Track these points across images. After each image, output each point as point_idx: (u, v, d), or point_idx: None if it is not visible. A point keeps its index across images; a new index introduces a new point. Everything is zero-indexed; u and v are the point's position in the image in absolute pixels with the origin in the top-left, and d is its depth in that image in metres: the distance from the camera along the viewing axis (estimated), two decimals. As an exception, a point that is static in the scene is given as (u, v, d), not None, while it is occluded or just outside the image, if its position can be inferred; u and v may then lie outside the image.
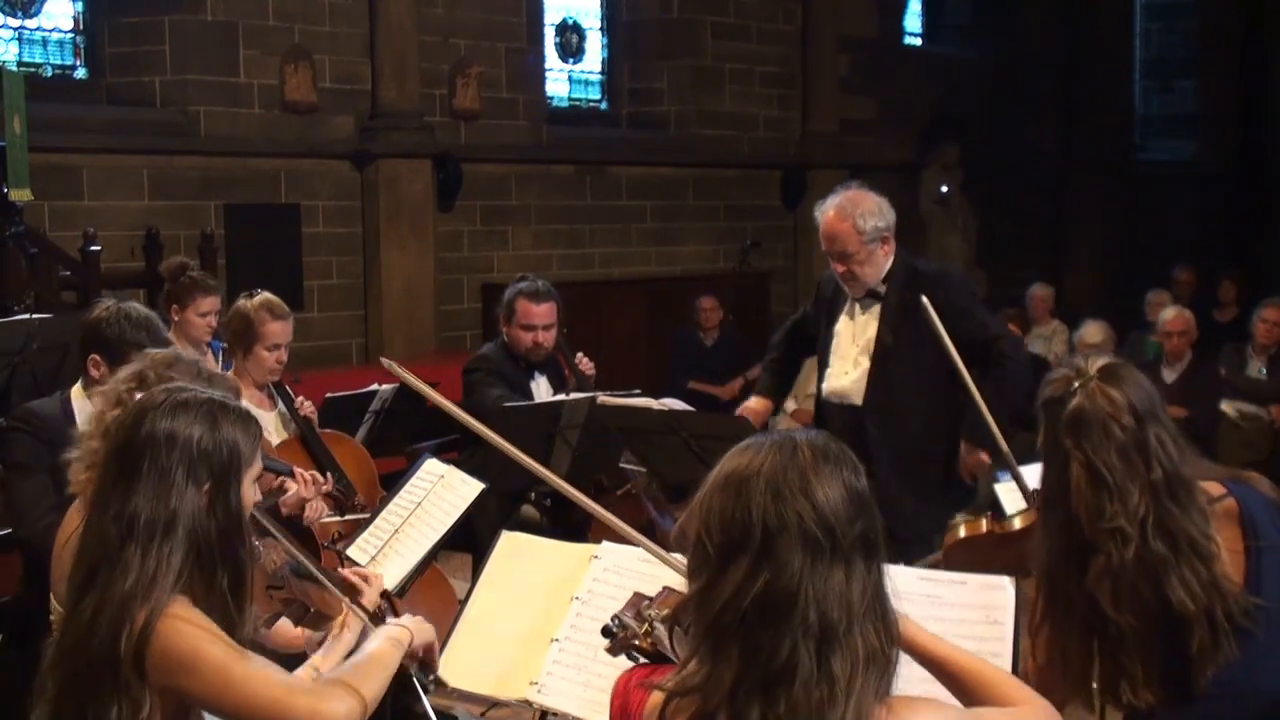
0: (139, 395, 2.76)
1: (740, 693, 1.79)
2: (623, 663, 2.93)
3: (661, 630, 2.11)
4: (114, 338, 3.77)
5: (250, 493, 2.39)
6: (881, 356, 4.59)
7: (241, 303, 4.71)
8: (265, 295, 4.73)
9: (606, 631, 2.26)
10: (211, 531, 2.28)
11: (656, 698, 1.91)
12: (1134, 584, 2.40)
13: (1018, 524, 2.85)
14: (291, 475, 4.09)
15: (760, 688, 1.78)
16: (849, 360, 4.69)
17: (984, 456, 4.34)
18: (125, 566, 2.22)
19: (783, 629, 1.78)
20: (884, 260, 4.58)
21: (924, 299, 4.03)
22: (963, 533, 2.90)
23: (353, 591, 2.77)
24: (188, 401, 2.34)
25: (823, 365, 4.81)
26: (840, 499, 1.82)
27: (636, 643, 2.18)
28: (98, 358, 3.77)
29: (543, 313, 5.27)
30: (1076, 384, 2.48)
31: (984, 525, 2.89)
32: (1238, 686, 2.41)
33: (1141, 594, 2.40)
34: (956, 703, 2.02)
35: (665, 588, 2.21)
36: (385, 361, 3.05)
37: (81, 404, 3.79)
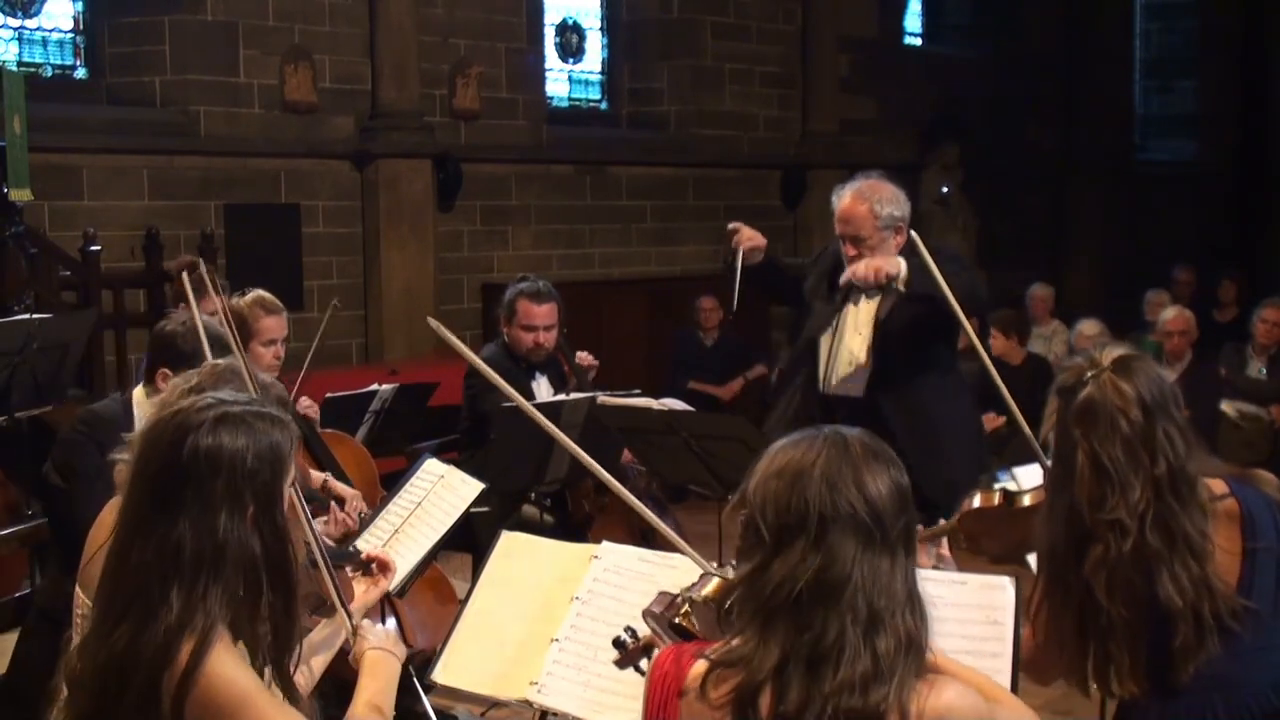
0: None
1: (787, 669, 1.89)
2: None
3: (701, 610, 2.19)
4: (189, 352, 3.74)
5: (288, 495, 2.31)
6: (883, 338, 4.59)
7: (233, 301, 4.71)
8: (257, 292, 4.73)
9: (617, 643, 2.33)
10: (259, 557, 2.19)
11: (700, 666, 2.00)
12: (1128, 576, 2.43)
13: (1028, 500, 2.89)
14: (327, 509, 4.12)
15: (806, 666, 1.89)
16: (853, 349, 4.68)
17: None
18: (169, 603, 2.11)
19: (832, 611, 1.89)
20: (894, 250, 4.58)
21: (913, 233, 4.08)
22: (977, 501, 2.94)
23: (354, 585, 2.79)
24: (225, 417, 2.23)
25: (828, 360, 4.74)
26: (889, 493, 1.96)
27: (653, 647, 2.25)
28: (168, 371, 3.71)
29: (544, 313, 5.26)
30: (1089, 374, 2.50)
31: (996, 497, 2.92)
32: (1223, 680, 2.43)
33: (1134, 586, 2.44)
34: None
35: (703, 575, 2.31)
36: (432, 322, 2.98)
37: (143, 410, 3.77)
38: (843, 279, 4.49)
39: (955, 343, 4.79)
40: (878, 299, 4.63)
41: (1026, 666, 2.69)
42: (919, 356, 4.56)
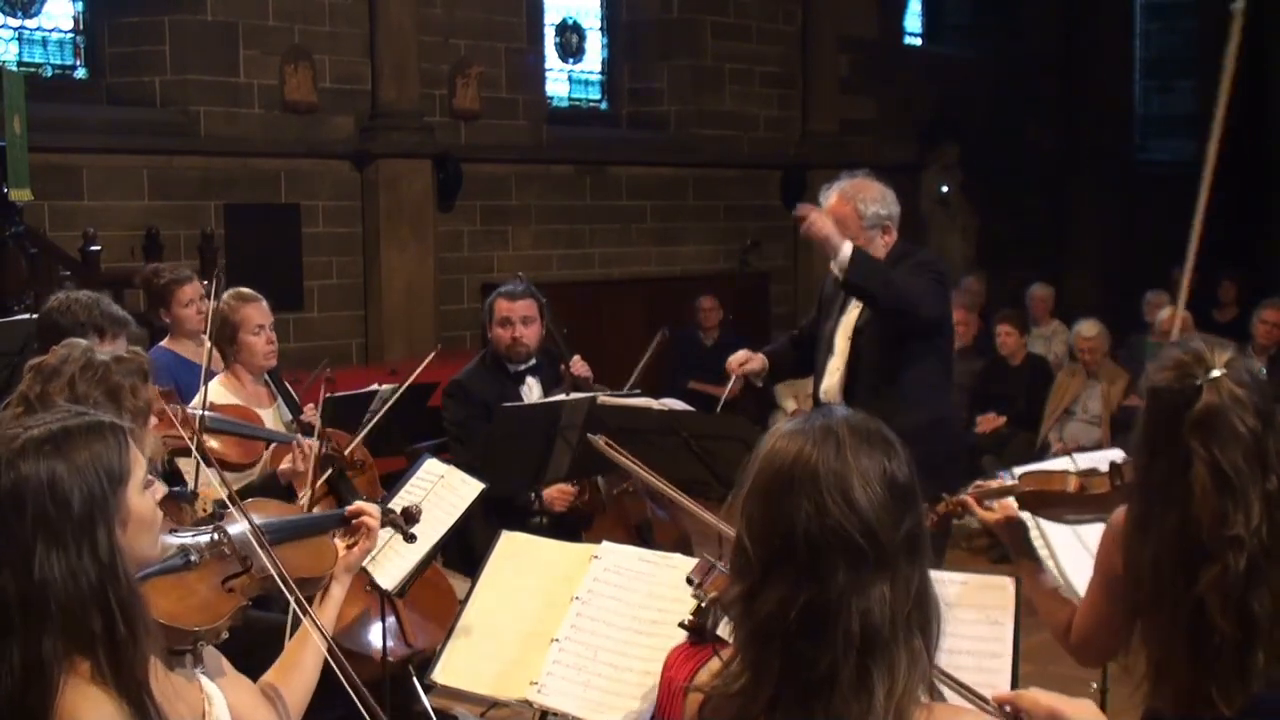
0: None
1: (780, 703, 1.78)
2: (621, 662, 2.93)
3: (710, 610, 2.12)
4: (69, 325, 3.78)
5: (143, 502, 2.13)
6: (856, 342, 4.58)
7: (212, 304, 4.76)
8: (233, 288, 4.82)
9: (682, 625, 2.28)
10: (84, 589, 1.99)
11: (694, 700, 1.89)
12: (1241, 594, 2.31)
13: (1093, 490, 2.80)
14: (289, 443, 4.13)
15: (800, 699, 1.77)
16: (840, 355, 4.68)
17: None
18: (11, 664, 1.96)
19: (824, 642, 1.75)
20: (883, 250, 4.57)
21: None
22: (1054, 484, 2.85)
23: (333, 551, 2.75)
24: (26, 445, 2.02)
25: (820, 363, 4.80)
26: (883, 499, 1.78)
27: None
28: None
29: (519, 307, 5.18)
30: (1201, 378, 2.33)
31: (1072, 482, 2.82)
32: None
33: (1247, 604, 2.31)
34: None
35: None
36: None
37: None
38: (802, 229, 4.47)
39: (934, 352, 4.73)
40: (860, 307, 4.62)
41: (1076, 648, 2.67)
42: (886, 365, 4.53)
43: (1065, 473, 2.88)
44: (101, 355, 2.94)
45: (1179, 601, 2.33)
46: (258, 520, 2.59)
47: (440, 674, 3.21)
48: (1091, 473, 2.84)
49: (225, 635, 2.47)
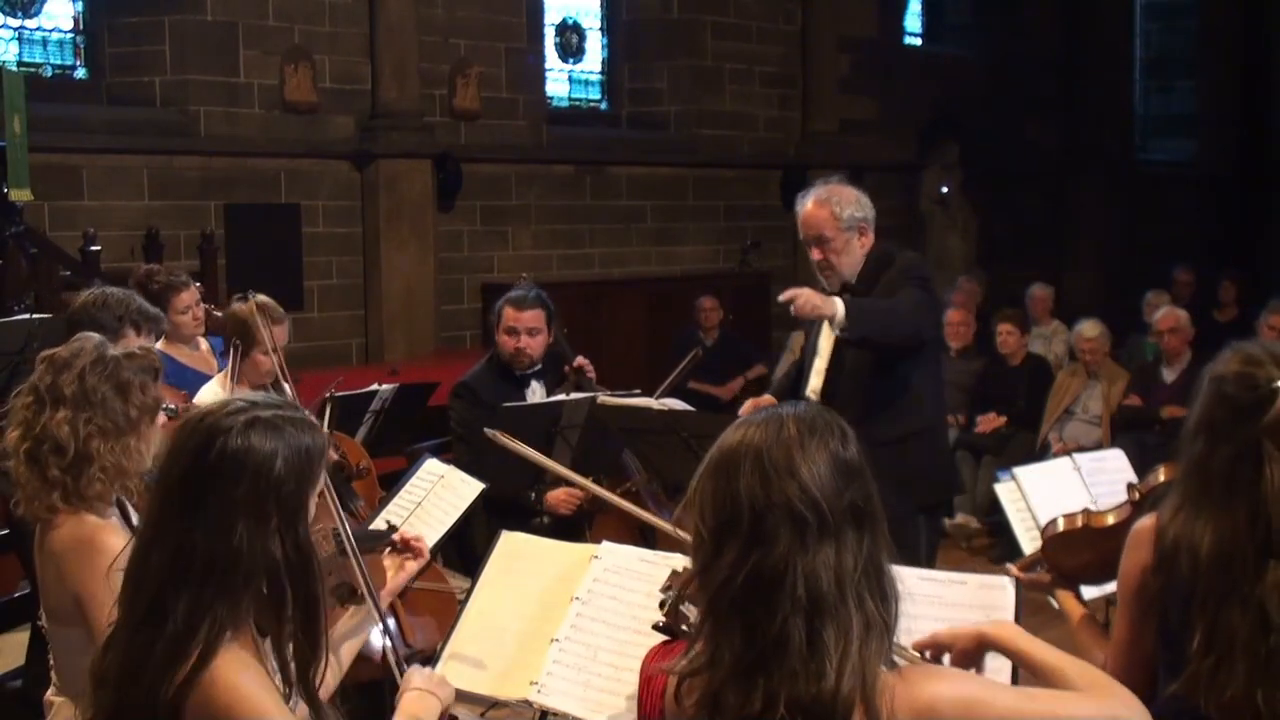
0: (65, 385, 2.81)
1: (740, 670, 1.85)
2: (621, 662, 2.93)
3: (680, 609, 2.16)
4: (105, 320, 3.79)
5: (314, 504, 2.23)
6: (840, 349, 4.57)
7: (238, 306, 4.72)
8: (261, 298, 4.71)
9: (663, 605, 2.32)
10: (279, 567, 2.11)
11: (670, 681, 1.96)
12: None
13: (1110, 520, 2.84)
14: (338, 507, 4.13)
15: (759, 663, 1.83)
16: (824, 357, 4.66)
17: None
18: (177, 610, 2.06)
19: (773, 605, 1.83)
20: (860, 253, 4.57)
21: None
22: (1061, 526, 2.90)
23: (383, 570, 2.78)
24: (255, 421, 2.13)
25: (808, 366, 4.78)
26: (827, 473, 1.87)
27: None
28: None
29: (526, 318, 5.18)
30: (1271, 383, 2.35)
31: (1079, 519, 2.87)
32: None
33: None
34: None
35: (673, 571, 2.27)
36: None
37: None
38: (793, 309, 4.49)
39: (921, 361, 4.72)
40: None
41: None
42: (869, 371, 4.52)
43: (1074, 514, 2.90)
44: (113, 351, 2.97)
45: (1244, 596, 2.34)
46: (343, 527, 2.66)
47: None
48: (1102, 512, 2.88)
49: None
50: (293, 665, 2.15)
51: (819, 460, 1.88)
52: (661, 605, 2.30)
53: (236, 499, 2.09)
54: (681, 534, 2.84)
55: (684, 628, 2.16)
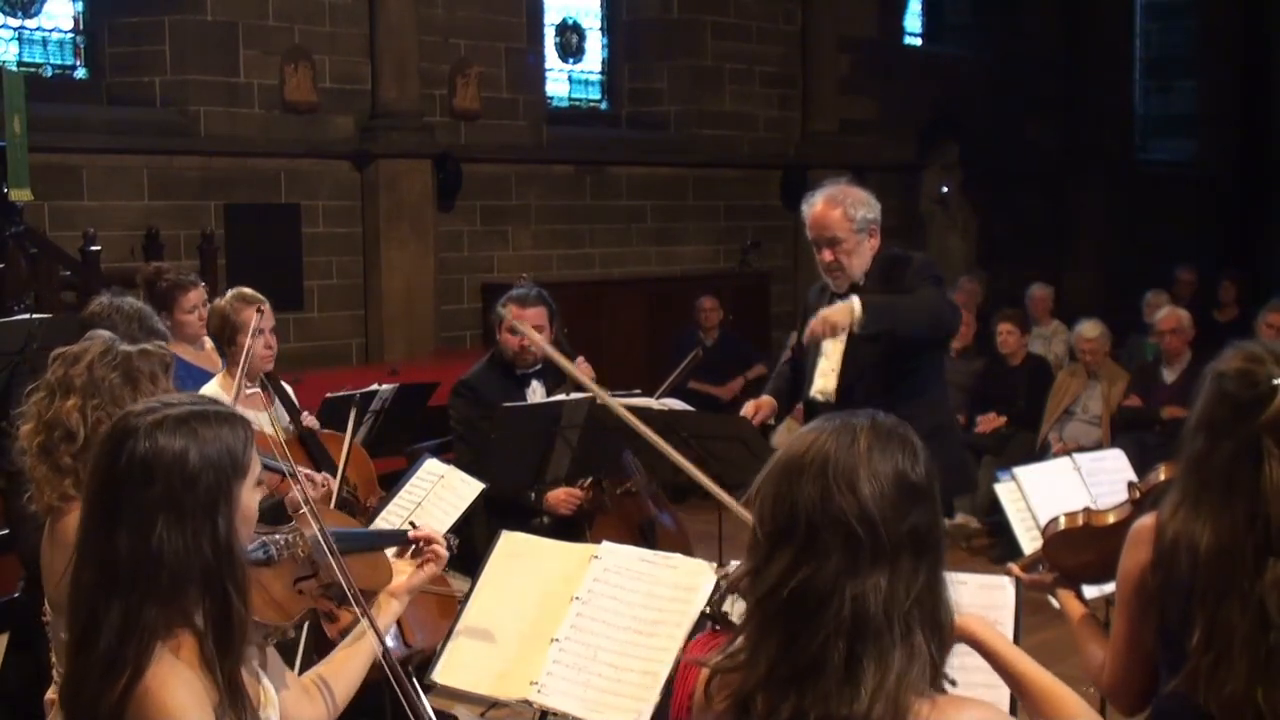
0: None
1: (775, 679, 1.82)
2: (621, 662, 2.93)
3: (729, 601, 2.15)
4: (110, 331, 3.79)
5: (252, 499, 2.21)
6: (852, 347, 4.57)
7: (216, 302, 4.80)
8: (237, 289, 4.78)
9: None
10: (198, 566, 2.08)
11: (703, 673, 1.95)
12: None
13: (1111, 518, 2.84)
14: (294, 477, 4.09)
15: (791, 678, 1.81)
16: (833, 358, 4.66)
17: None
18: (110, 620, 2.05)
19: (817, 623, 1.79)
20: (869, 254, 4.57)
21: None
22: (1062, 525, 2.90)
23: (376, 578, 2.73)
24: (164, 420, 2.11)
25: (810, 366, 4.78)
26: (890, 493, 1.81)
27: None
28: None
29: (529, 316, 5.22)
30: (1271, 381, 2.36)
31: (1080, 519, 2.87)
32: None
33: None
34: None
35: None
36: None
37: None
38: (805, 338, 4.50)
39: (932, 359, 4.72)
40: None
41: (1110, 691, 2.65)
42: (887, 370, 4.52)
43: (1075, 513, 2.90)
44: (125, 346, 3.00)
45: (1243, 593, 2.34)
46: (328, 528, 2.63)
47: (440, 674, 3.21)
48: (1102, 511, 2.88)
49: (291, 635, 2.46)
50: (217, 661, 2.11)
51: (884, 478, 1.82)
52: (714, 591, 2.28)
53: (151, 501, 2.06)
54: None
55: (731, 620, 2.14)
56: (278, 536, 2.52)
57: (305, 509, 2.61)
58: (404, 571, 2.75)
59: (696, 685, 1.98)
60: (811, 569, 1.80)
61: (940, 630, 1.84)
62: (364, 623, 2.60)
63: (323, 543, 2.55)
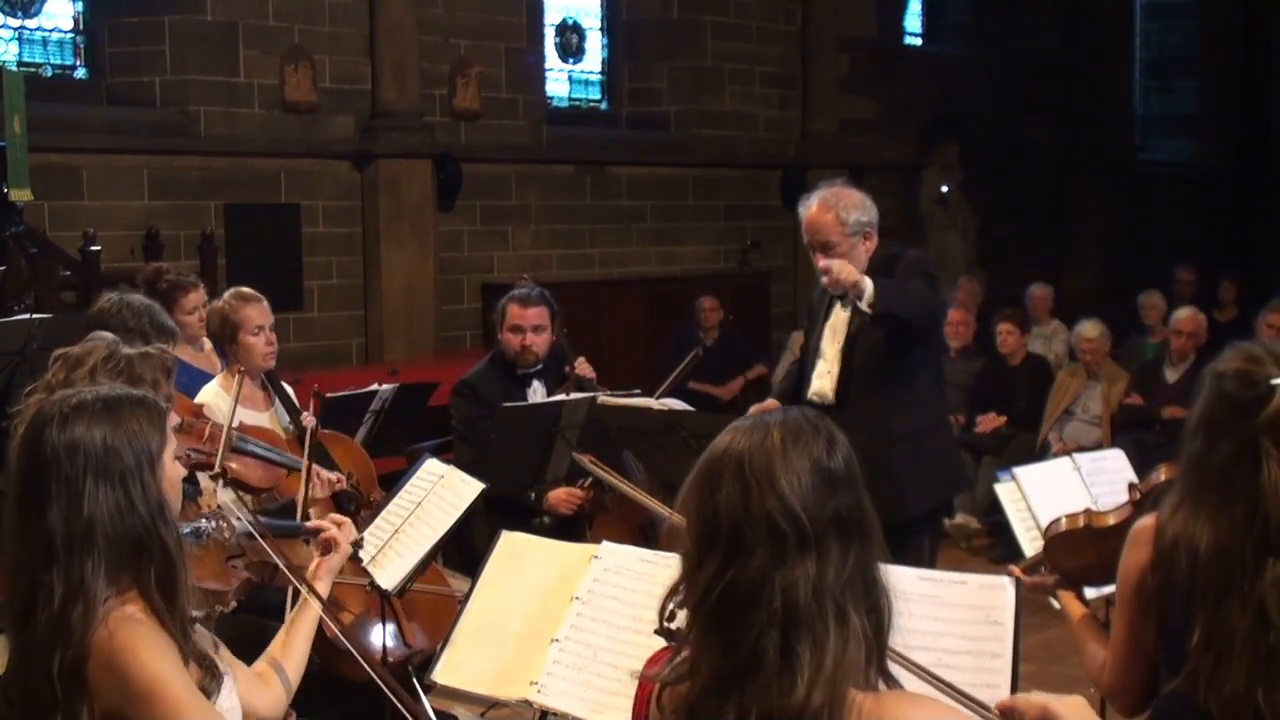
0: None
1: (717, 681, 1.83)
2: (621, 662, 2.93)
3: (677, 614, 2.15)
4: (116, 327, 3.80)
5: (173, 470, 2.33)
6: (849, 348, 4.56)
7: (215, 303, 4.82)
8: (234, 288, 4.80)
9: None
10: (134, 526, 2.21)
11: (654, 687, 1.96)
12: None
13: (1111, 520, 2.84)
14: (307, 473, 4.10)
15: (734, 675, 1.82)
16: (830, 360, 4.65)
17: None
18: (50, 590, 2.15)
19: (750, 619, 1.81)
20: (865, 256, 4.54)
21: None
22: (1063, 526, 2.90)
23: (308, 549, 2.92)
24: (80, 405, 2.25)
25: (809, 368, 4.77)
26: (808, 484, 1.82)
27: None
28: None
29: (531, 315, 5.23)
30: (1269, 381, 2.36)
31: (1081, 520, 2.87)
32: None
33: None
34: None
35: None
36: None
37: None
38: (824, 281, 4.48)
39: (927, 357, 4.72)
40: (851, 309, 4.60)
41: (1110, 692, 2.65)
42: (882, 370, 4.51)
43: (1076, 514, 2.90)
44: (127, 350, 3.02)
45: (1243, 593, 2.34)
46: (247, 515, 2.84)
47: (440, 674, 3.21)
48: (1103, 513, 2.88)
49: (234, 604, 2.73)
50: (167, 613, 2.22)
51: (801, 470, 1.83)
52: (663, 610, 2.29)
53: (78, 470, 2.19)
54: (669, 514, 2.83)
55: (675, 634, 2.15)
56: (201, 521, 2.72)
57: (237, 508, 2.89)
58: (314, 558, 2.92)
59: (650, 700, 1.98)
60: (739, 567, 1.82)
61: (877, 610, 1.84)
62: (304, 590, 2.75)
63: (253, 528, 2.75)
